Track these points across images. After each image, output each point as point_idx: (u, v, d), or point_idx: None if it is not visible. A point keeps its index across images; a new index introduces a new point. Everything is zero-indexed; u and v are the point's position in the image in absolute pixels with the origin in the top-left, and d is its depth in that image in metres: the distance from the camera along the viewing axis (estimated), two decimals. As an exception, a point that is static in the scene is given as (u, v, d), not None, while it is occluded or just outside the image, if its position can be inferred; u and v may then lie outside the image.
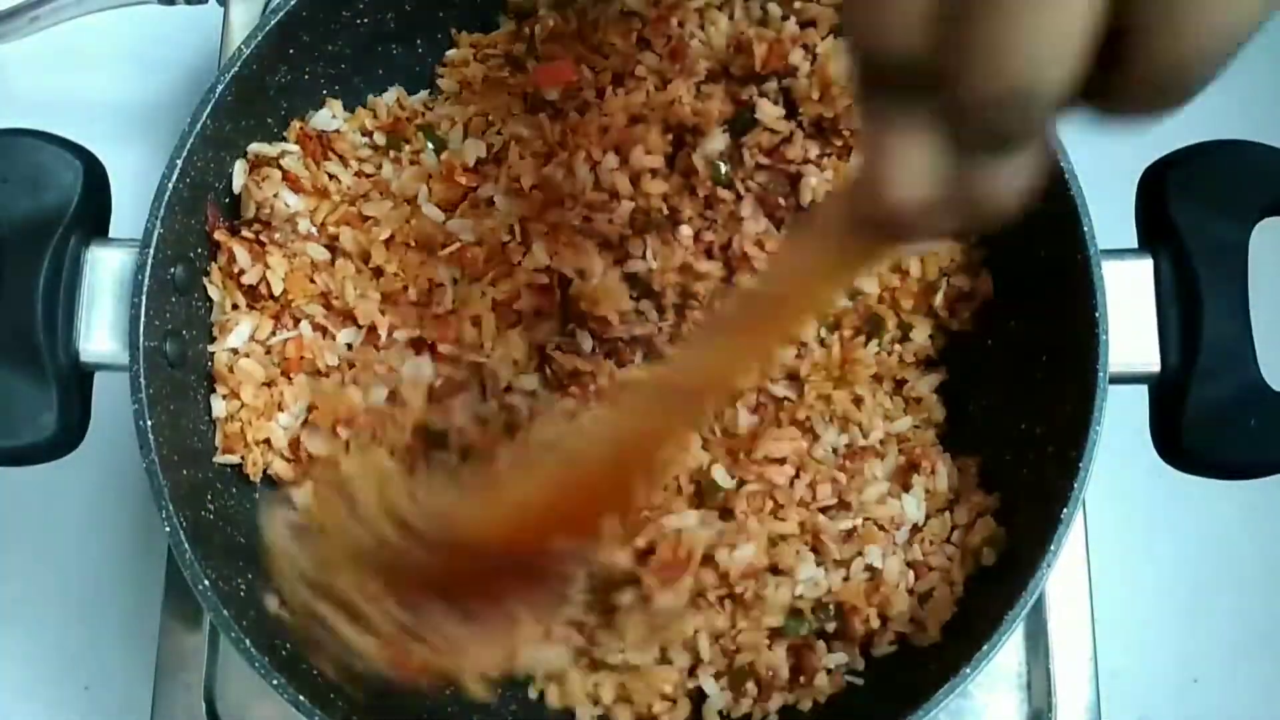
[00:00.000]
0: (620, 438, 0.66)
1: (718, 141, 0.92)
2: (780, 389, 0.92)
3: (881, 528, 0.89)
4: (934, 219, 0.48)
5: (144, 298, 0.82)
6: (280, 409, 0.90)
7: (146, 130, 1.18)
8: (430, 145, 0.96)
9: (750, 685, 0.87)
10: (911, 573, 0.89)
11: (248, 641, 0.79)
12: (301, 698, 0.78)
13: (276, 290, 0.90)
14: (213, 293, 0.90)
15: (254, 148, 0.91)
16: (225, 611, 0.79)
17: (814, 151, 0.92)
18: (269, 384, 0.91)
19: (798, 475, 0.90)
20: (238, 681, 0.95)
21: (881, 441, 0.92)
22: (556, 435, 0.81)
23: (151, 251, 0.82)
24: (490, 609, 0.71)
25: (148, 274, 0.82)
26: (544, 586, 0.73)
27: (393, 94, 0.99)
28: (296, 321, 0.91)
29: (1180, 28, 0.40)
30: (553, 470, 0.69)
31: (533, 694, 0.93)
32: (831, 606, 0.88)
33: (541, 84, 0.95)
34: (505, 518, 0.69)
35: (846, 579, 0.89)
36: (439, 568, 0.70)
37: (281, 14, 0.86)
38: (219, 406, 0.90)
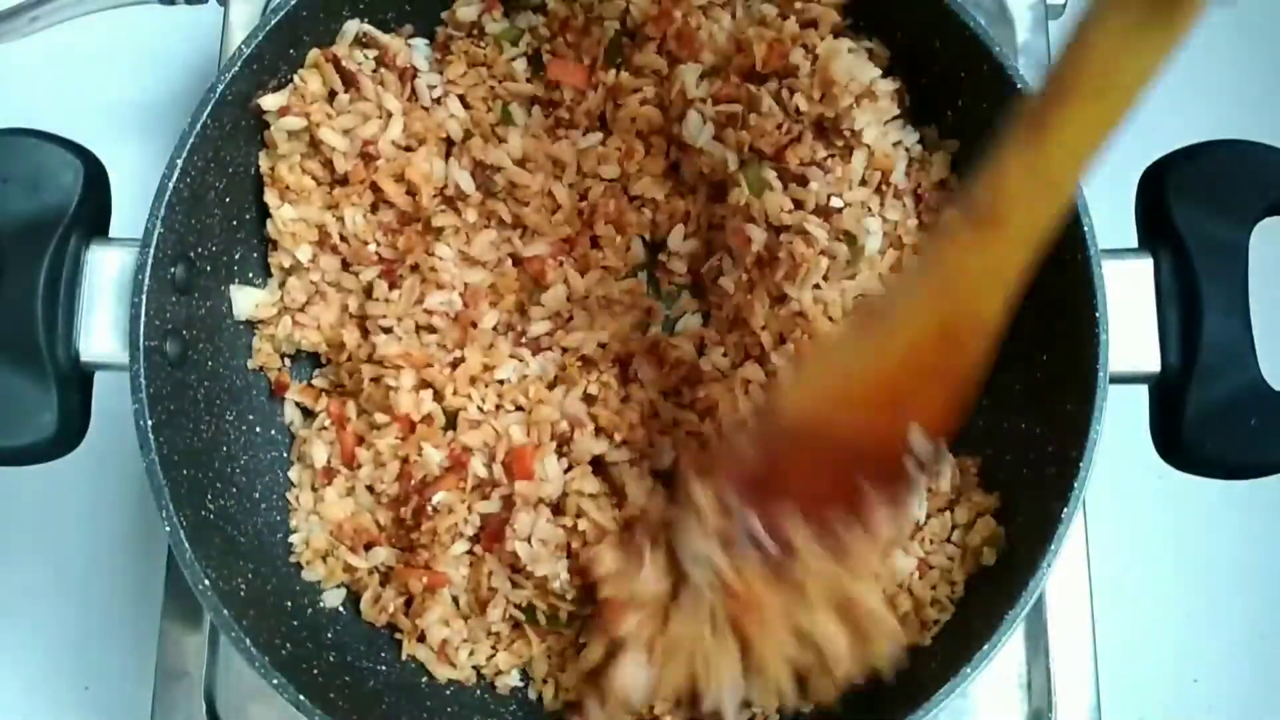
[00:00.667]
0: (950, 268, 0.66)
1: None
2: None
3: None
4: None
5: (144, 297, 0.82)
6: None
7: (146, 130, 1.18)
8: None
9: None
10: (917, 572, 0.90)
11: (248, 641, 0.79)
12: (302, 697, 0.78)
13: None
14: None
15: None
16: (225, 611, 0.79)
17: (821, 153, 0.92)
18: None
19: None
20: (238, 681, 0.94)
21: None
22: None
23: (152, 251, 0.82)
24: (849, 511, 0.73)
25: (148, 274, 0.82)
26: (894, 482, 0.73)
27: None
28: None
29: None
30: (876, 337, 0.70)
31: (532, 694, 0.93)
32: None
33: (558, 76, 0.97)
34: (837, 392, 0.71)
35: None
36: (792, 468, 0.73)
37: (281, 14, 0.86)
38: None
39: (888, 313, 0.71)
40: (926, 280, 0.69)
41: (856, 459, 0.72)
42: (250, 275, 0.96)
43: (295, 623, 0.89)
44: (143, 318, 0.82)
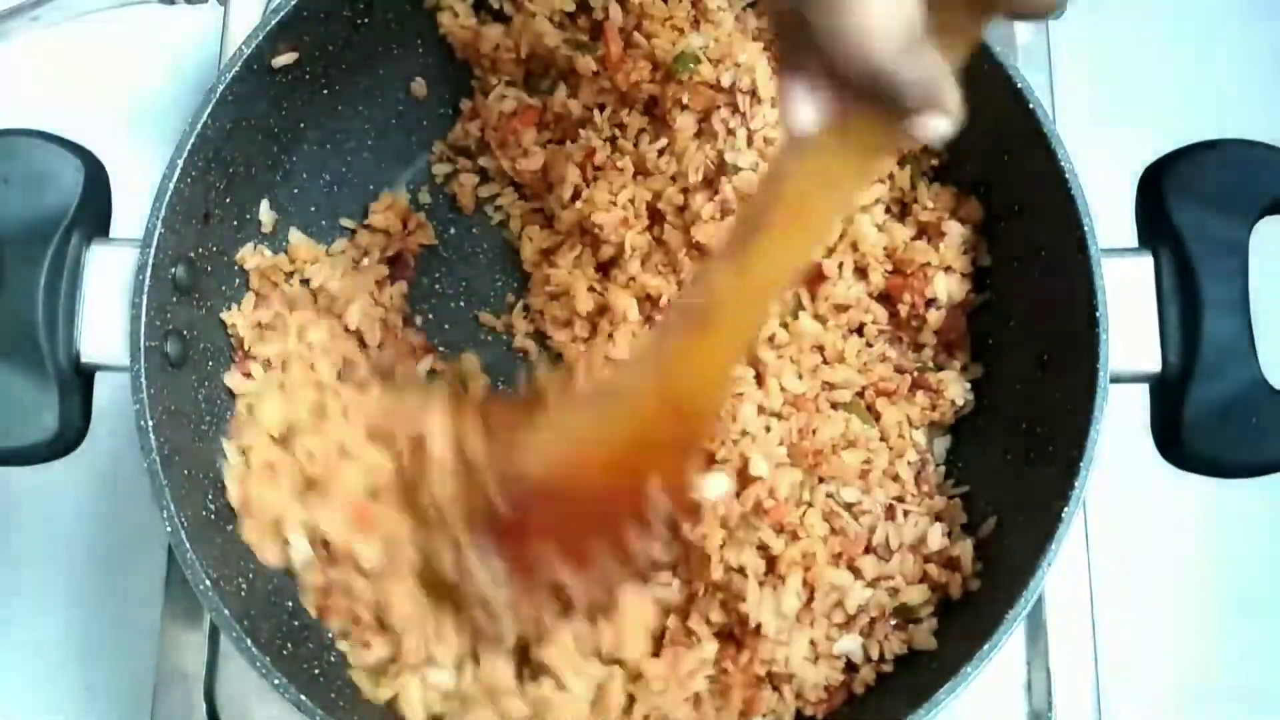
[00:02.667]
0: (671, 358, 0.73)
1: None
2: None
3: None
4: (916, 59, 0.55)
5: (145, 298, 0.82)
6: None
7: (146, 130, 1.18)
8: None
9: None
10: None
11: (249, 641, 0.79)
12: (303, 697, 0.78)
13: None
14: None
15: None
16: (226, 611, 0.79)
17: None
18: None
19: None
20: (238, 681, 0.95)
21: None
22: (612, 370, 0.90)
23: (152, 251, 0.82)
24: (589, 558, 0.79)
25: (149, 274, 0.82)
26: (631, 537, 0.79)
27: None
28: None
29: None
30: (612, 404, 0.77)
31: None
32: None
33: None
34: (579, 454, 0.77)
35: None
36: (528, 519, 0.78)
37: (282, 14, 0.86)
38: None
39: (616, 393, 0.78)
40: (652, 370, 0.75)
41: (605, 513, 0.79)
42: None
43: (296, 623, 0.89)
44: (143, 318, 0.82)
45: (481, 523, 0.80)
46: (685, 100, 0.95)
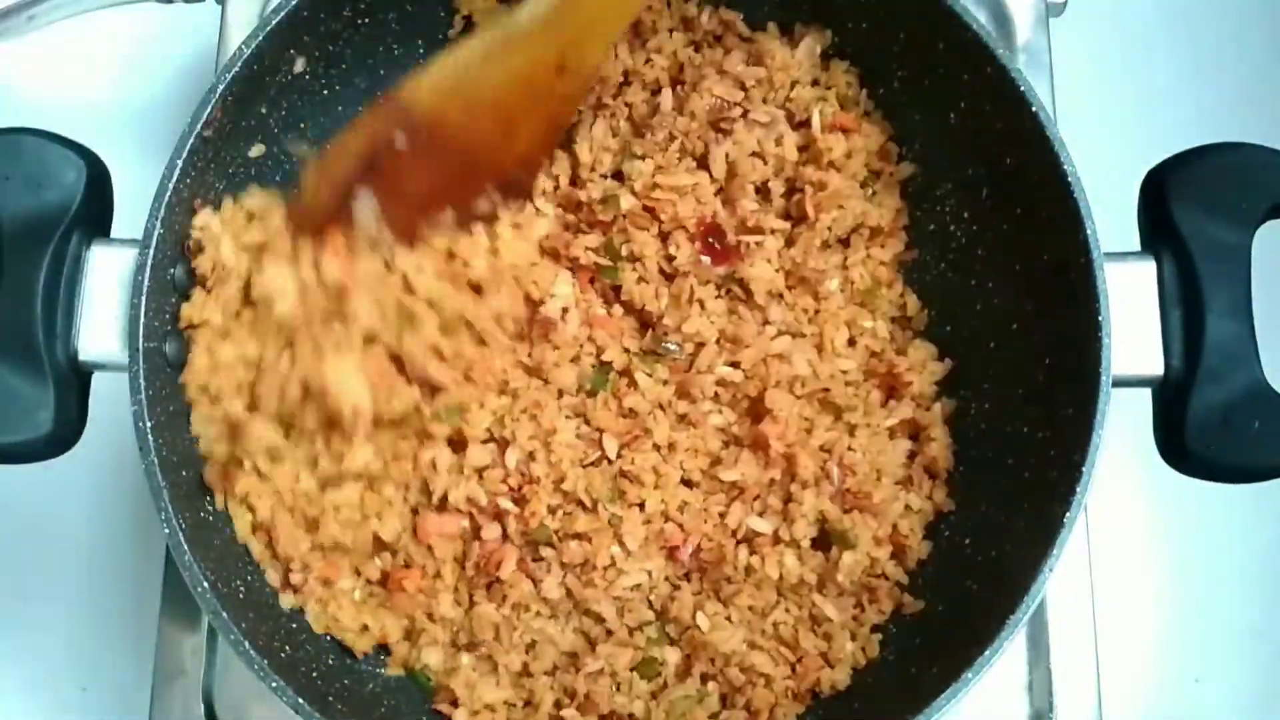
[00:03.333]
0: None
1: None
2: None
3: None
4: None
5: (144, 298, 0.82)
6: None
7: (146, 130, 1.18)
8: None
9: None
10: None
11: (247, 644, 0.78)
12: (301, 700, 0.78)
13: None
14: None
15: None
16: (224, 613, 0.79)
17: None
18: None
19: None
20: (236, 683, 0.95)
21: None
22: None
23: (151, 252, 0.82)
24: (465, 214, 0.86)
25: (148, 274, 0.82)
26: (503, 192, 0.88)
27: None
28: None
29: None
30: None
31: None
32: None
33: None
34: (463, 96, 0.84)
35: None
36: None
37: (282, 14, 0.86)
38: None
39: (513, 33, 0.83)
40: (548, 12, 0.82)
41: (468, 161, 0.86)
42: (250, 276, 0.96)
43: (294, 625, 0.89)
44: (142, 318, 0.82)
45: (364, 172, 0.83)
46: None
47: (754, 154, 0.95)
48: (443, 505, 0.90)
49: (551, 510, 0.89)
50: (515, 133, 0.87)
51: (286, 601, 0.89)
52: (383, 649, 0.92)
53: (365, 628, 0.90)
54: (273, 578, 0.89)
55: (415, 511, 0.91)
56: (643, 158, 0.94)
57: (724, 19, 0.99)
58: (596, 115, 0.98)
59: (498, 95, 0.84)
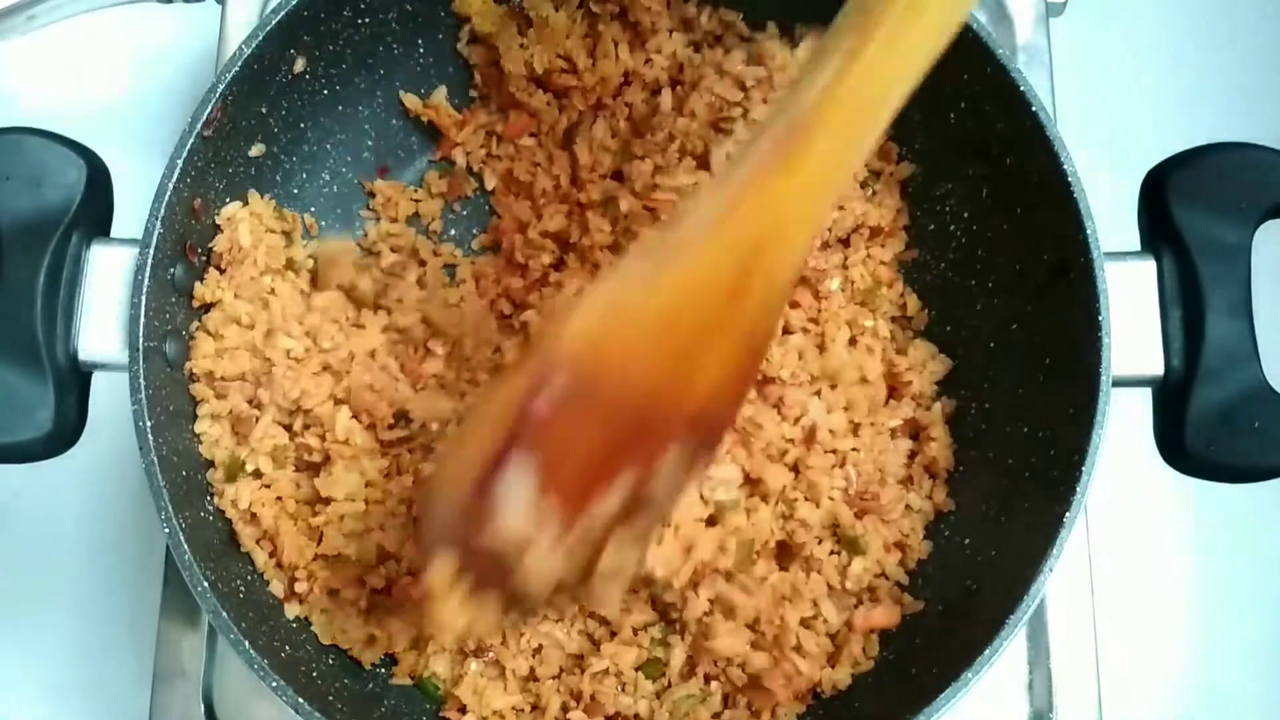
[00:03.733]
0: (744, 193, 0.60)
1: None
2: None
3: None
4: None
5: (144, 298, 0.82)
6: None
7: (146, 130, 1.18)
8: None
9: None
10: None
11: (246, 643, 0.78)
12: (301, 700, 0.78)
13: None
14: None
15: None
16: (224, 613, 0.79)
17: None
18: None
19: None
20: (236, 683, 0.94)
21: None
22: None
23: (152, 251, 0.82)
24: (646, 479, 0.64)
25: (148, 274, 0.82)
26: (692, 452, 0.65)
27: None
28: None
29: None
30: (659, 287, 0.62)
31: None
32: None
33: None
34: (620, 327, 0.63)
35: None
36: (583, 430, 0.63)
37: (282, 14, 0.86)
38: None
39: (684, 234, 0.63)
40: (727, 201, 0.62)
41: (643, 409, 0.64)
42: (249, 276, 0.96)
43: (294, 625, 0.89)
44: (142, 318, 0.82)
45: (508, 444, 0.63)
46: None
47: None
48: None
49: None
50: (699, 364, 0.64)
51: (291, 612, 0.89)
52: (389, 658, 0.92)
53: (372, 638, 0.90)
54: (277, 589, 0.89)
55: (418, 520, 0.91)
56: (642, 158, 0.94)
57: (724, 19, 0.99)
58: (596, 115, 0.98)
59: (667, 320, 0.63)
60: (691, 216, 0.64)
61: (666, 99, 0.97)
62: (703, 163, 0.95)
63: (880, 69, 0.59)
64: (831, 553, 0.91)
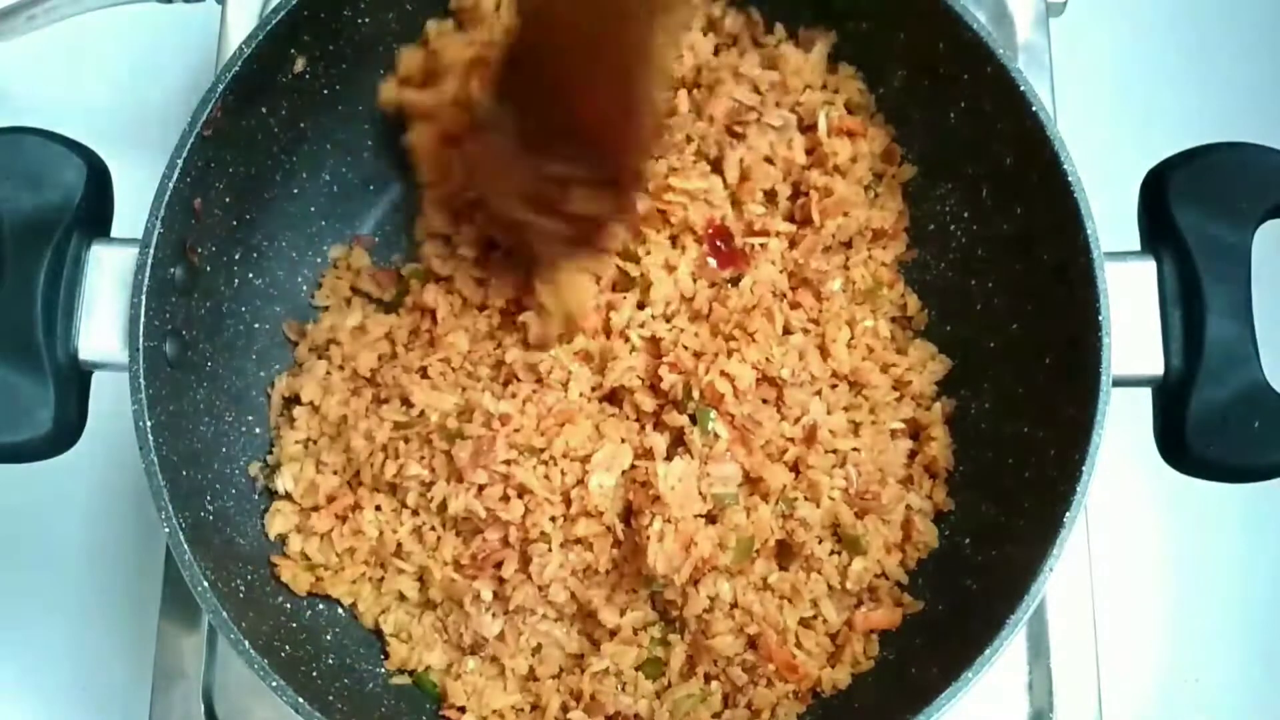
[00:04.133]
0: None
1: None
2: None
3: None
4: None
5: (144, 297, 0.82)
6: None
7: (146, 130, 1.18)
8: None
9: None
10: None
11: (247, 643, 0.78)
12: (301, 699, 0.78)
13: None
14: None
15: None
16: (224, 613, 0.79)
17: None
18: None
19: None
20: (236, 682, 0.94)
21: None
22: None
23: (152, 251, 0.82)
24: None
25: (148, 274, 0.82)
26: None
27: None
28: None
29: None
30: None
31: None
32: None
33: None
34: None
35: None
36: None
37: (282, 14, 0.86)
38: None
39: None
40: None
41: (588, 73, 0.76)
42: (249, 276, 0.96)
43: (294, 625, 0.89)
44: (142, 318, 0.82)
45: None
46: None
47: (765, 158, 0.95)
48: (442, 512, 0.91)
49: (554, 519, 0.89)
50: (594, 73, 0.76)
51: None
52: (384, 655, 0.92)
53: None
54: None
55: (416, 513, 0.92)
56: (657, 158, 0.94)
57: (750, 20, 1.00)
58: None
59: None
60: None
61: (684, 101, 0.97)
62: (716, 167, 0.96)
63: None
64: (832, 553, 0.91)
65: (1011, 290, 0.92)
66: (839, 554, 0.91)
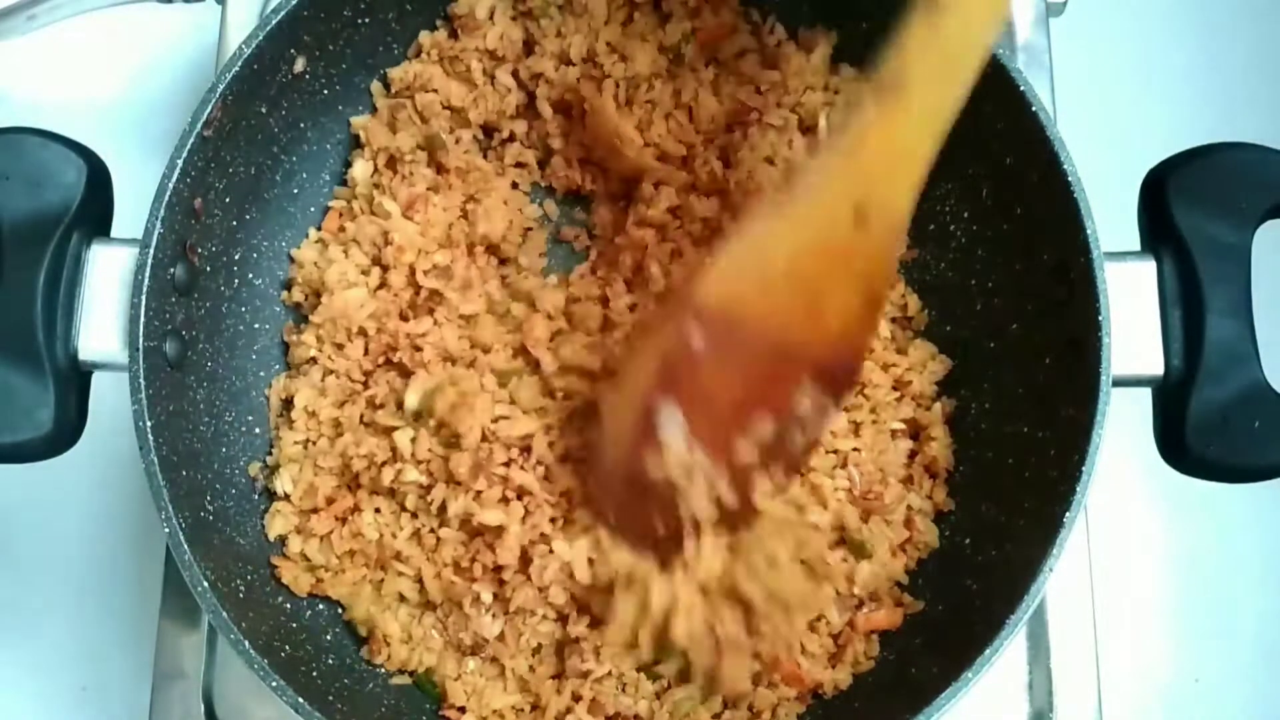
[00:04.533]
0: (856, 140, 0.69)
1: None
2: None
3: None
4: None
5: (144, 298, 0.82)
6: None
7: (146, 130, 1.18)
8: None
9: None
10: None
11: (247, 644, 0.78)
12: (301, 700, 0.78)
13: None
14: None
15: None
16: (224, 613, 0.79)
17: None
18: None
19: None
20: (236, 683, 0.94)
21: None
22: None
23: (152, 251, 0.82)
24: (783, 420, 0.76)
25: (148, 274, 0.82)
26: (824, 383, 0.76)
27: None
28: None
29: None
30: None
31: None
32: None
33: None
34: (754, 275, 0.73)
35: None
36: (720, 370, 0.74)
37: (282, 14, 0.86)
38: None
39: (801, 190, 0.72)
40: (837, 158, 0.71)
41: (778, 354, 0.75)
42: (250, 277, 0.96)
43: (294, 625, 0.89)
44: (142, 318, 0.82)
45: (662, 384, 0.75)
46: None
47: (766, 158, 0.95)
48: (441, 515, 0.91)
49: (554, 521, 0.89)
50: (824, 308, 0.74)
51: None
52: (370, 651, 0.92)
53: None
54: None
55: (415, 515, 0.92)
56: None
57: (761, 21, 1.00)
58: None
59: (793, 268, 0.73)
60: (806, 175, 0.72)
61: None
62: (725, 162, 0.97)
63: (959, 28, 0.67)
64: (843, 560, 0.91)
65: (1011, 290, 0.92)
66: (846, 560, 0.91)
